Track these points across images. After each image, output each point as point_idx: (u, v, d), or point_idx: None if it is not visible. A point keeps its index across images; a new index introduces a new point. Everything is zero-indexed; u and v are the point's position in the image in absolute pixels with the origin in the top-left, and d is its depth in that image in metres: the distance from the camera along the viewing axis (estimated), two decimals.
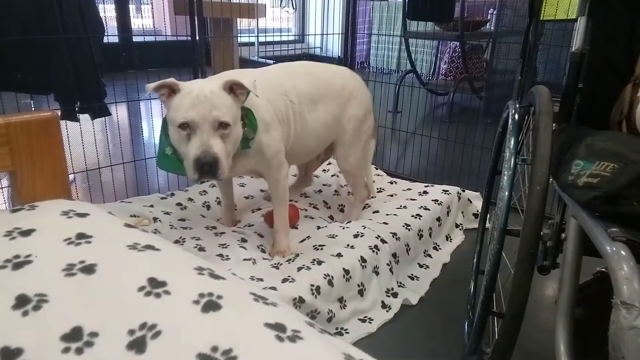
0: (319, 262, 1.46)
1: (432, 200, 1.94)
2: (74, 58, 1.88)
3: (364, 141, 1.82)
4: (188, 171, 1.29)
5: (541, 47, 3.17)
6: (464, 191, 2.10)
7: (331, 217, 1.90)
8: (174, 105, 1.29)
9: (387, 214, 1.83)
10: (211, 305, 0.55)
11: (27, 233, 0.67)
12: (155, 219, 1.68)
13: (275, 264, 1.49)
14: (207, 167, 1.24)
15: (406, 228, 1.73)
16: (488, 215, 1.62)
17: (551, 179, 0.97)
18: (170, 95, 1.31)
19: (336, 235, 1.64)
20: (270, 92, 1.53)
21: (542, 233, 0.95)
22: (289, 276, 1.38)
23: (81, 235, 0.67)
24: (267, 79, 1.54)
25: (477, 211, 2.03)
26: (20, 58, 1.82)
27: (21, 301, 0.54)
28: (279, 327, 0.52)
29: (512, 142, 1.07)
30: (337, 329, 1.36)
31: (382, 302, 1.49)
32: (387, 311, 1.46)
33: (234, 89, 1.33)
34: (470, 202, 2.08)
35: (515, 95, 1.86)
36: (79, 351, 0.48)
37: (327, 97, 1.70)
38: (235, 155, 1.41)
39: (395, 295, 1.53)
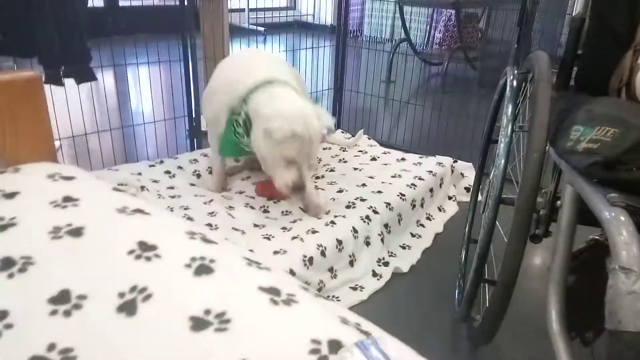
0: (314, 232, 1.45)
1: (427, 171, 1.93)
2: (57, 20, 1.81)
3: None
4: (282, 188, 1.50)
5: (537, 15, 3.12)
6: (456, 162, 2.09)
7: None
8: (284, 142, 1.43)
9: (382, 182, 1.82)
10: (203, 268, 0.53)
11: (11, 196, 0.65)
12: (142, 188, 1.66)
13: (266, 234, 1.46)
14: (298, 189, 1.50)
15: (400, 198, 1.72)
16: (481, 186, 1.62)
17: (547, 147, 0.96)
18: None
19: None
20: None
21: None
22: (280, 249, 1.37)
23: (67, 199, 0.65)
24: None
25: (469, 185, 2.03)
26: (2, 20, 1.75)
27: (6, 264, 0.52)
28: (273, 291, 0.51)
29: (510, 109, 1.05)
30: (328, 297, 1.37)
31: (373, 270, 1.49)
32: (378, 279, 1.47)
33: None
34: (463, 176, 2.08)
35: (512, 63, 1.84)
36: (67, 314, 0.47)
37: None
38: None
39: (386, 264, 1.53)
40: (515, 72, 1.16)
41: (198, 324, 0.45)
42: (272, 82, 1.52)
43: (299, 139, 1.43)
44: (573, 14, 1.11)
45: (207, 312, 0.47)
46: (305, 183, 1.51)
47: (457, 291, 1.39)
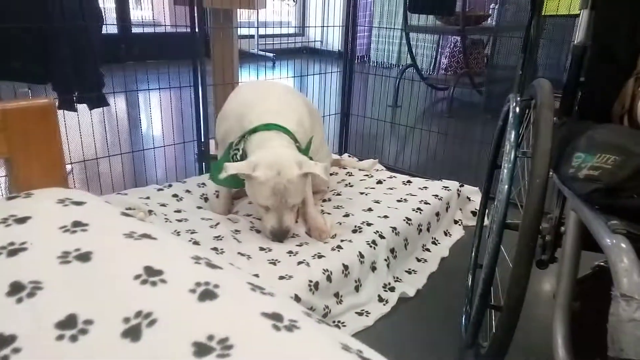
0: (320, 256, 1.46)
1: (433, 195, 1.94)
2: (72, 47, 1.87)
3: None
4: (265, 233, 1.58)
5: (542, 41, 3.15)
6: (462, 186, 2.10)
7: None
8: (255, 189, 1.49)
9: (388, 207, 1.82)
10: (208, 294, 0.54)
11: (22, 220, 0.66)
12: (150, 212, 1.68)
13: (272, 259, 1.46)
14: (280, 236, 1.55)
15: (407, 222, 1.72)
16: (487, 210, 1.62)
17: (551, 173, 0.97)
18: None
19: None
20: None
21: (540, 227, 0.95)
22: (286, 274, 1.37)
23: (77, 223, 0.66)
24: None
25: (476, 209, 2.03)
26: (18, 47, 1.80)
27: (15, 288, 0.54)
28: (275, 317, 0.52)
29: (513, 135, 1.06)
30: (333, 322, 1.36)
31: (379, 295, 1.49)
32: (384, 304, 1.46)
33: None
34: (469, 199, 2.08)
35: (516, 90, 1.86)
36: (74, 338, 0.47)
37: None
38: None
39: (392, 289, 1.52)
40: (518, 99, 1.18)
41: (201, 349, 0.46)
42: (270, 127, 1.57)
43: (269, 188, 1.47)
44: (575, 42, 1.13)
45: (210, 337, 0.47)
46: (288, 227, 1.54)
47: (463, 317, 1.38)
